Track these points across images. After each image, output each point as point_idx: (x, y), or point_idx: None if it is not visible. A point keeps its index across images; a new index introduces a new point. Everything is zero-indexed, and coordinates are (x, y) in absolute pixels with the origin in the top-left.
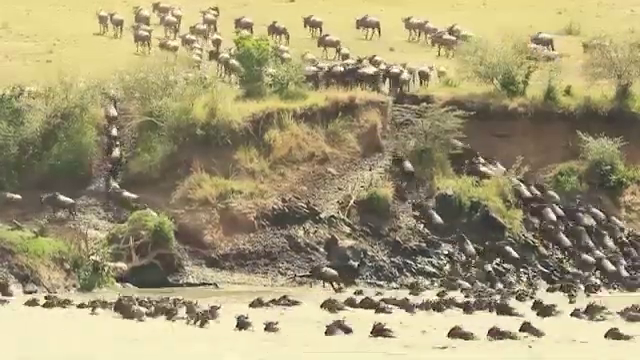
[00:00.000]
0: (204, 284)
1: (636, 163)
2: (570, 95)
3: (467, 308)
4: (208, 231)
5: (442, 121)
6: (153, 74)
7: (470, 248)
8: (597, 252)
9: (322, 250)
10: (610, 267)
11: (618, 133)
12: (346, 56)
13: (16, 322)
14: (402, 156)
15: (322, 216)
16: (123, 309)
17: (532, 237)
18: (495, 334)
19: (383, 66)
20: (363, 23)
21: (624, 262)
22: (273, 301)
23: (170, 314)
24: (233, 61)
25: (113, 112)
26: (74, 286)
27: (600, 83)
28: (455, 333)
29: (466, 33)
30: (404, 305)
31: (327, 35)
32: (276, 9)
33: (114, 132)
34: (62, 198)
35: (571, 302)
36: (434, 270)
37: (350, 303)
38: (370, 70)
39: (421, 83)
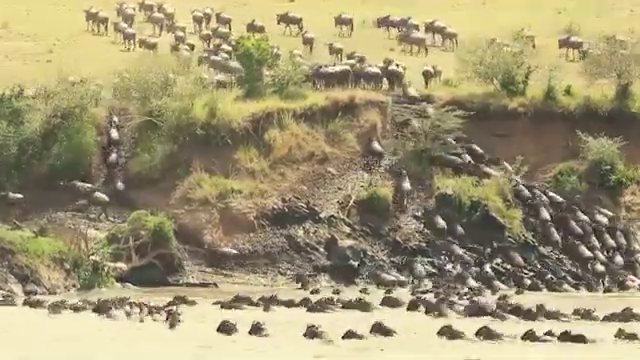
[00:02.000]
0: (204, 284)
1: (636, 163)
2: (570, 95)
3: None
4: (208, 231)
5: (442, 121)
6: (153, 73)
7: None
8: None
9: (322, 250)
10: (586, 253)
11: (618, 133)
12: (339, 51)
13: None
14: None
15: (322, 216)
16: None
17: (532, 237)
18: (347, 335)
19: (380, 64)
20: (339, 21)
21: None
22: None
23: (103, 311)
24: (218, 57)
25: (115, 135)
26: (74, 286)
27: (600, 83)
28: (310, 332)
29: (451, 30)
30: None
31: (306, 32)
32: (277, 9)
33: (113, 158)
34: (11, 195)
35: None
36: (434, 270)
37: (243, 301)
38: (332, 69)
39: (426, 83)
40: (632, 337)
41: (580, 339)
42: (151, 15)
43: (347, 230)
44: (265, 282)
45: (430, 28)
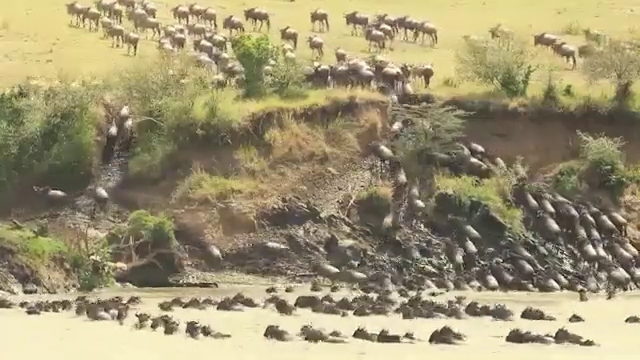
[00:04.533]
0: (204, 284)
1: (636, 163)
2: (570, 94)
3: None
4: (208, 231)
5: (442, 121)
6: (153, 73)
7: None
8: None
9: (322, 250)
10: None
11: (618, 133)
12: (319, 45)
13: None
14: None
15: (322, 216)
16: None
17: (532, 236)
18: (191, 330)
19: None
20: (315, 16)
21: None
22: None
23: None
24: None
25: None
26: (74, 286)
27: (600, 83)
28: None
29: (430, 25)
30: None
31: (287, 28)
32: (276, 9)
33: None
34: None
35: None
36: (434, 270)
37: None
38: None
39: (427, 82)
40: (446, 339)
41: (394, 339)
42: (133, 12)
43: (347, 230)
44: (265, 282)
45: (402, 24)
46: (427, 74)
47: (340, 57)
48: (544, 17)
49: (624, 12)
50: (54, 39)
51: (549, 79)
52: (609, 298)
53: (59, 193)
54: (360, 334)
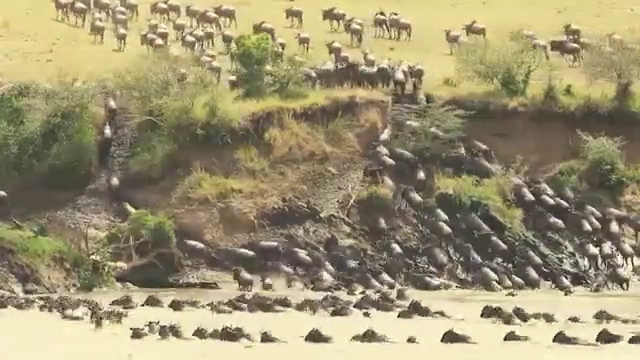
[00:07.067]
0: (204, 284)
1: (636, 163)
2: (570, 94)
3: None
4: (208, 230)
5: (442, 120)
6: (153, 72)
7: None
8: None
9: (322, 249)
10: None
11: (618, 132)
12: (306, 41)
13: None
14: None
15: (322, 215)
16: None
17: (532, 236)
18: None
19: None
20: (290, 13)
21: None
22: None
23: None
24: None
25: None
26: (74, 285)
27: (600, 82)
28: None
29: (404, 21)
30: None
31: (263, 22)
32: (277, 9)
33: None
34: None
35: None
36: (434, 269)
37: None
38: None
39: (420, 82)
40: (269, 339)
41: (232, 337)
42: (115, 8)
43: (347, 230)
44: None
45: (378, 21)
46: (418, 74)
47: (336, 51)
48: (544, 17)
49: (624, 12)
50: (54, 39)
51: (549, 79)
52: (566, 295)
53: (2, 193)
54: (197, 333)
